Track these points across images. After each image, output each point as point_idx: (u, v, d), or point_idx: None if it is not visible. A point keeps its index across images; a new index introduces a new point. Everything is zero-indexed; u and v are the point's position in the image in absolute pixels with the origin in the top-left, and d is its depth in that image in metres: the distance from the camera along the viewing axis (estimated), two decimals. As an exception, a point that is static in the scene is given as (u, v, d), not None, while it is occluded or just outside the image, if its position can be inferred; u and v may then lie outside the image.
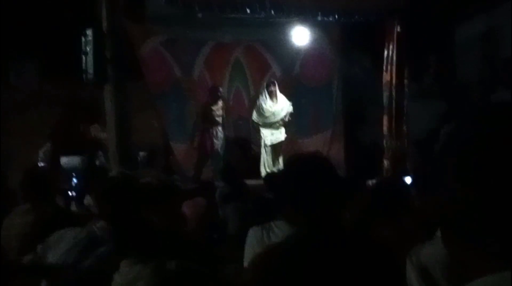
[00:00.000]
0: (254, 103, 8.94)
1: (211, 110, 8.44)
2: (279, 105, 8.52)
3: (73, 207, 4.90)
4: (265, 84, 8.74)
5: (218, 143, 8.48)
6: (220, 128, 8.50)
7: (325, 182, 1.73)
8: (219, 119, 8.51)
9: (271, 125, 8.54)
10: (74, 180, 6.12)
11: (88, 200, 4.46)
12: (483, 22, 7.33)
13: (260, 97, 8.63)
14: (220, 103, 8.56)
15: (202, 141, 8.50)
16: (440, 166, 0.70)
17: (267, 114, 8.50)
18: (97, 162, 7.73)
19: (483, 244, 0.64)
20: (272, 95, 8.49)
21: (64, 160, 7.55)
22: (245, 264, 2.29)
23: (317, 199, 1.68)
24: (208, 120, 8.44)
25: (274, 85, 8.53)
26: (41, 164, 7.74)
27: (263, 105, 8.50)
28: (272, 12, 7.61)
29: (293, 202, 1.73)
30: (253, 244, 2.34)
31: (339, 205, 1.79)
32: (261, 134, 8.59)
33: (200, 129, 8.60)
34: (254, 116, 8.61)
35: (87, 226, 2.53)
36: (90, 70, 5.94)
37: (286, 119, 8.56)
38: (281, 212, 1.97)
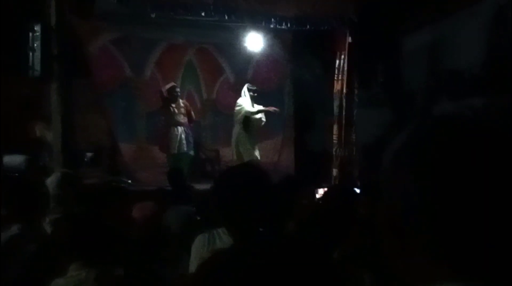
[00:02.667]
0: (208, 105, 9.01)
1: (172, 109, 8.16)
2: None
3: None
4: (246, 88, 8.37)
5: (185, 142, 8.15)
6: (184, 127, 8.18)
7: (256, 193, 1.70)
8: (183, 119, 8.23)
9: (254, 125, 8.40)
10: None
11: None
12: (428, 34, 7.58)
13: (243, 98, 8.36)
14: (180, 102, 8.29)
15: (167, 142, 8.18)
16: (394, 173, 0.68)
17: (252, 119, 8.33)
18: (41, 162, 7.44)
19: (431, 252, 0.63)
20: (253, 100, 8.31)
21: (6, 159, 7.24)
22: (191, 269, 2.25)
23: (249, 211, 1.66)
24: (171, 120, 8.16)
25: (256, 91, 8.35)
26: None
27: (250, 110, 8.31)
28: (225, 16, 7.61)
29: (225, 215, 1.71)
30: (199, 250, 2.30)
31: (278, 215, 1.78)
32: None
33: (165, 130, 8.28)
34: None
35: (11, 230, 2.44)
36: (37, 66, 5.73)
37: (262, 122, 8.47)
38: (221, 223, 1.94)
